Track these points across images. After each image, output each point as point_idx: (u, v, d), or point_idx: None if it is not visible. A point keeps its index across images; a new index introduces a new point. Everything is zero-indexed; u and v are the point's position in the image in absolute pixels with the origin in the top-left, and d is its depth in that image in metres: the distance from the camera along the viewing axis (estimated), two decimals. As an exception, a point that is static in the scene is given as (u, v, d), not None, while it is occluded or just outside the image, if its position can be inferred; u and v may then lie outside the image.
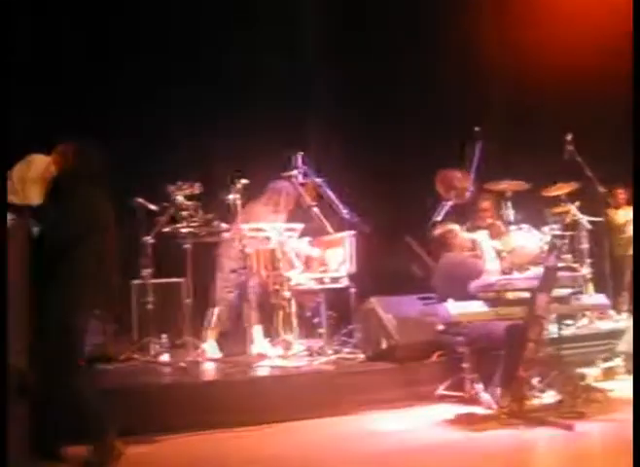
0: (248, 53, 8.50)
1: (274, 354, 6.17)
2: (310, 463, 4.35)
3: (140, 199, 6.50)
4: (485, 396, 5.31)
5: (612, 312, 7.56)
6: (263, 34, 8.57)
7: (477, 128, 7.19)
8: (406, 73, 8.92)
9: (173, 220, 6.24)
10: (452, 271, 5.70)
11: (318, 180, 6.78)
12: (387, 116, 9.16)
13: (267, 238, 6.23)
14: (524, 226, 7.21)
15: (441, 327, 5.54)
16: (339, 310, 6.74)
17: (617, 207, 8.68)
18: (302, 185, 6.70)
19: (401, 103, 9.05)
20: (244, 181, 6.26)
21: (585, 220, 7.71)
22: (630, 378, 6.11)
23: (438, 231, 6.04)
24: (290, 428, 5.11)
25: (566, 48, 9.56)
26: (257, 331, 6.48)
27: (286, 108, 8.63)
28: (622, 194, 8.59)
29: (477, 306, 5.20)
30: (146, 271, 6.39)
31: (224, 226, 6.29)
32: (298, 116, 8.72)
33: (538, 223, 7.38)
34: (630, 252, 8.23)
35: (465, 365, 5.50)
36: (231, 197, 6.22)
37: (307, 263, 6.55)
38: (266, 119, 8.31)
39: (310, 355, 6.21)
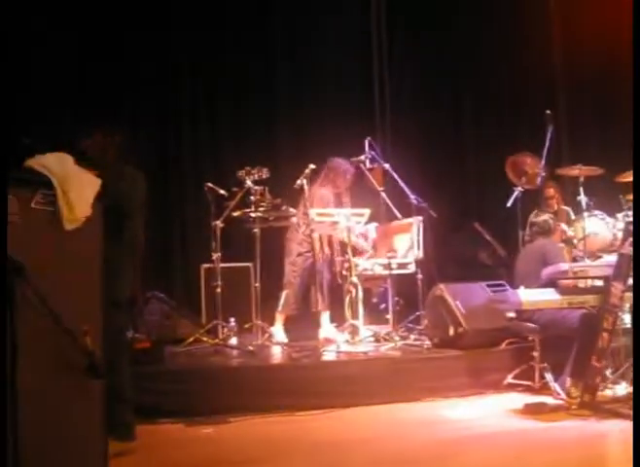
0: (318, 43, 8.47)
1: (341, 339, 6.15)
2: (378, 448, 4.32)
3: (210, 184, 6.54)
4: (556, 386, 5.19)
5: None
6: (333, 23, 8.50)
7: (548, 112, 6.99)
8: (476, 57, 8.72)
9: (243, 204, 6.26)
10: (534, 257, 5.59)
11: (386, 165, 6.72)
12: (456, 101, 9.03)
13: (335, 223, 6.19)
14: (597, 212, 7.02)
15: (511, 314, 5.44)
16: (407, 297, 6.70)
17: None
18: (370, 170, 6.66)
19: (471, 87, 8.89)
20: (312, 166, 6.24)
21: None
22: None
23: (537, 218, 5.91)
24: (356, 413, 5.10)
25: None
26: (324, 316, 6.48)
27: (354, 94, 8.58)
28: None
29: (548, 294, 5.09)
30: (215, 255, 6.43)
31: (292, 211, 6.29)
32: (366, 102, 8.65)
33: (612, 210, 7.17)
34: None
35: (534, 353, 5.39)
36: (298, 182, 6.22)
37: (375, 248, 6.52)
38: (335, 105, 8.28)
39: (377, 341, 6.20)
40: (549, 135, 6.92)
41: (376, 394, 5.32)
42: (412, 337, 6.34)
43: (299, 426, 4.80)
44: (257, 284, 6.32)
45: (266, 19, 8.41)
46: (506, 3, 8.49)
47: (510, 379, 5.53)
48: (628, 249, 4.71)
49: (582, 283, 5.48)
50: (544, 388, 5.33)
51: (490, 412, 5.10)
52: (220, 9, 8.07)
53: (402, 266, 6.39)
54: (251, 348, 5.93)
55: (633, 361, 4.73)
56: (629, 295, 4.99)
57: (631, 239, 4.63)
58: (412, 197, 6.61)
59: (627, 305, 5.28)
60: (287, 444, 4.43)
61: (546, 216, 5.84)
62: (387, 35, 8.76)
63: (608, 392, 5.18)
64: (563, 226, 6.01)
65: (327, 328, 6.45)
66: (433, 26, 8.69)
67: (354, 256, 6.36)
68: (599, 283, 5.27)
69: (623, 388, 5.21)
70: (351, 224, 6.13)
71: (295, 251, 6.59)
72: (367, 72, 8.72)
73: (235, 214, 6.30)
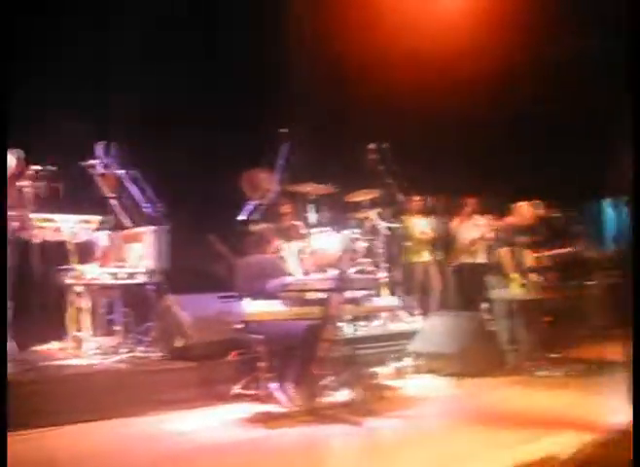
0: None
1: (65, 351, 5.85)
2: (103, 465, 4.13)
3: None
4: (280, 394, 5.31)
5: (404, 314, 7.88)
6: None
7: (283, 130, 7.21)
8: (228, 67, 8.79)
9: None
10: (254, 271, 5.66)
11: (119, 172, 6.52)
12: (210, 112, 8.98)
13: (58, 229, 5.86)
14: (326, 228, 7.35)
15: (238, 325, 5.49)
16: (138, 308, 6.52)
17: (413, 215, 9.02)
18: (102, 176, 6.42)
19: (198, 100, 8.88)
20: (36, 167, 5.84)
21: (383, 226, 7.96)
22: (419, 377, 6.43)
23: (252, 229, 5.97)
24: (77, 430, 4.83)
25: (383, 59, 9.93)
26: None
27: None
28: (417, 201, 8.94)
29: (273, 306, 5.16)
30: None
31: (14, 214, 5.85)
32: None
33: (340, 227, 7.55)
34: (420, 259, 8.69)
35: (261, 364, 5.47)
36: (22, 183, 5.79)
37: (104, 256, 6.27)
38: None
39: (104, 353, 5.96)
40: (283, 152, 7.11)
41: (101, 409, 5.08)
42: (141, 348, 6.17)
43: (16, 447, 4.45)
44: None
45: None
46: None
47: (237, 390, 5.56)
48: (347, 264, 4.97)
49: (310, 295, 5.64)
50: (270, 397, 5.41)
51: (218, 422, 5.08)
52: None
53: (131, 275, 6.21)
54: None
55: (633, 361, 4.95)
56: (348, 307, 5.26)
57: (349, 256, 4.89)
58: (145, 206, 6.47)
59: (348, 317, 5.57)
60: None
61: (261, 226, 5.96)
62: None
63: (328, 399, 5.40)
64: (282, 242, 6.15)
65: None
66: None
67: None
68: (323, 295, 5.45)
69: (343, 395, 5.47)
70: (76, 230, 5.86)
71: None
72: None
73: None
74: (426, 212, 8.95)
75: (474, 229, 8.83)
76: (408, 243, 8.89)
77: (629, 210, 4.94)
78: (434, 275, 8.70)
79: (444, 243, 8.62)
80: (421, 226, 8.90)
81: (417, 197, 8.92)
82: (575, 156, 10.78)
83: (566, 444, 4.09)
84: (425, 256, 8.73)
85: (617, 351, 7.47)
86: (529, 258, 7.30)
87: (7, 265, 2.25)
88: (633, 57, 4.99)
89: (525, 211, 7.28)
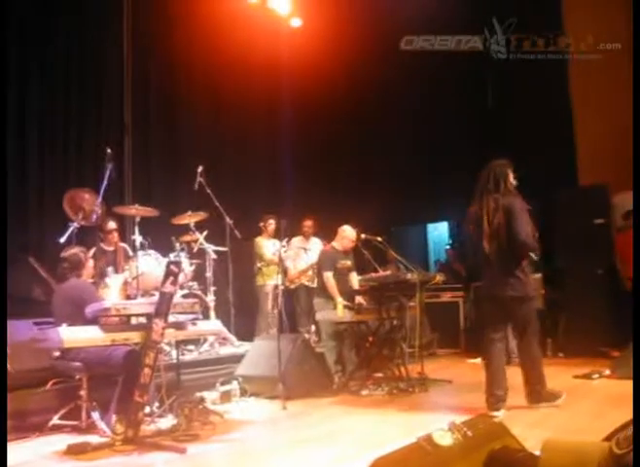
0: None
1: None
2: None
3: None
4: (102, 423, 5.18)
5: (233, 338, 7.93)
6: None
7: (108, 150, 7.09)
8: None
9: None
10: (70, 296, 5.50)
11: None
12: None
13: None
14: (151, 252, 7.27)
15: (57, 353, 5.31)
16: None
17: (264, 237, 9.13)
18: None
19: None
20: None
21: (211, 249, 7.98)
22: (245, 400, 6.48)
23: (66, 253, 5.77)
24: None
25: (210, 83, 10.02)
26: None
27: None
28: (270, 224, 9.04)
29: (92, 332, 4.99)
30: None
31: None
32: None
33: (165, 250, 7.50)
34: (266, 281, 8.79)
35: (82, 392, 5.32)
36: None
37: None
38: None
39: None
40: (107, 173, 6.98)
41: None
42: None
43: None
44: None
45: None
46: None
47: (56, 420, 5.35)
48: (170, 288, 4.94)
49: (133, 320, 5.55)
50: (91, 427, 5.28)
51: (34, 455, 4.86)
52: None
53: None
54: None
55: (633, 361, 4.89)
56: (171, 331, 5.22)
57: (172, 279, 4.87)
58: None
59: (172, 341, 5.52)
60: None
61: (75, 250, 5.81)
62: None
63: (152, 426, 5.34)
64: (91, 262, 5.98)
65: None
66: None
67: None
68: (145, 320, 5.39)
69: (168, 421, 5.41)
70: None
71: None
72: None
73: None
74: (274, 234, 9.06)
75: (310, 252, 9.03)
76: (259, 265, 9.00)
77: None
78: (274, 298, 8.73)
79: (284, 267, 8.73)
80: (270, 248, 9.00)
81: (269, 220, 9.03)
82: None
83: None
84: (272, 278, 8.81)
85: (437, 368, 7.95)
86: (354, 280, 7.57)
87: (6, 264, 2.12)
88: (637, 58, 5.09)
89: (349, 234, 7.53)
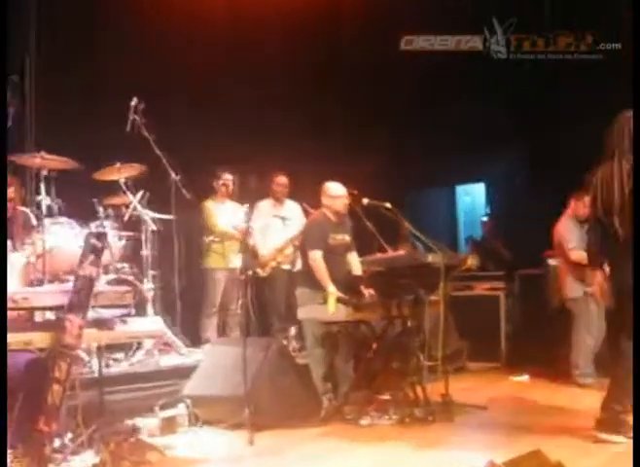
0: None
1: None
2: None
3: None
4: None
5: (179, 342, 7.87)
6: None
7: (12, 77, 7.05)
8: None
9: None
10: None
11: None
12: None
13: None
14: (66, 220, 7.20)
15: None
16: None
17: (216, 200, 9.04)
18: None
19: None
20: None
21: (149, 216, 7.90)
22: (195, 431, 6.46)
23: None
24: None
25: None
26: None
27: None
28: (227, 182, 8.94)
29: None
30: None
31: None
32: None
33: (86, 216, 7.42)
34: (221, 264, 8.69)
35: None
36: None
37: None
38: None
39: None
40: (10, 111, 6.92)
41: None
42: None
43: None
44: None
45: None
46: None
47: None
48: (90, 270, 4.83)
49: (38, 316, 5.47)
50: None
51: None
52: None
53: None
54: None
55: (633, 368, 4.92)
56: (93, 332, 5.13)
57: (93, 258, 4.76)
58: None
59: (92, 347, 5.44)
60: None
61: None
62: None
63: (63, 466, 5.29)
64: None
65: None
66: None
67: None
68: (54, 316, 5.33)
69: (86, 459, 5.36)
70: None
71: None
72: None
73: None
74: (235, 197, 8.91)
75: (287, 221, 8.98)
76: (208, 240, 8.89)
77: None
78: (237, 287, 8.66)
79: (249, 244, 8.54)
80: (225, 214, 8.92)
81: (226, 177, 8.94)
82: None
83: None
84: (230, 260, 8.72)
85: (466, 388, 7.93)
86: (353, 263, 7.50)
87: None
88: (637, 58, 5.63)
89: (336, 191, 7.39)
